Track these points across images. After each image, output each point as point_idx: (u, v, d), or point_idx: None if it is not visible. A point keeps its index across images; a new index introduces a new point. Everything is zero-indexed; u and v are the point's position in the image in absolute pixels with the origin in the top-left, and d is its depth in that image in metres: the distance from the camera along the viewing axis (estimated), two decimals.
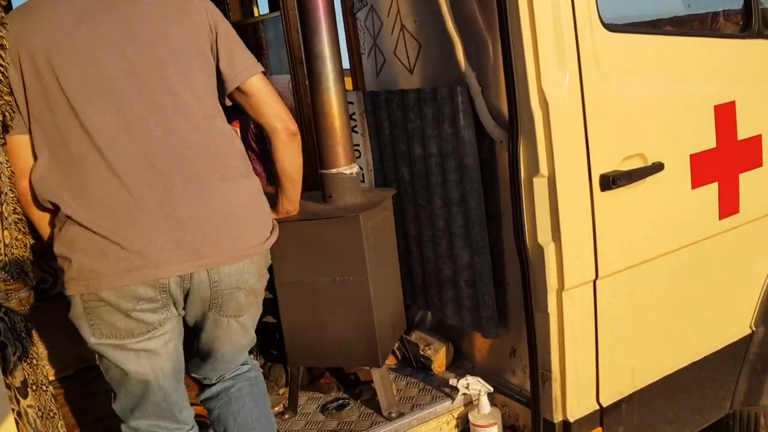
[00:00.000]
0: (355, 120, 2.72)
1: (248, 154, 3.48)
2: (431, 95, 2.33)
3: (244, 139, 3.50)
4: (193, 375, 1.98)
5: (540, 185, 2.05)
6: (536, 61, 1.97)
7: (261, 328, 2.60)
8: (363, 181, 2.78)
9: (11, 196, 1.55)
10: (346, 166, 2.30)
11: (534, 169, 2.04)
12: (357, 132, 2.73)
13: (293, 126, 1.86)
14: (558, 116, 1.99)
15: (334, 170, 2.29)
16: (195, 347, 1.91)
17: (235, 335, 1.86)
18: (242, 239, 1.71)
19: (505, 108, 2.10)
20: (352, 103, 2.69)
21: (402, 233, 2.67)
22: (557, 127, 2.00)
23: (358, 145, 2.75)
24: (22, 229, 1.57)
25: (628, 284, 2.21)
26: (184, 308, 1.74)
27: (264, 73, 1.84)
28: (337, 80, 2.24)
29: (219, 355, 1.89)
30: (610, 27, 2.05)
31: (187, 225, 1.62)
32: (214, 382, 1.97)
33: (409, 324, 2.74)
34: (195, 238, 1.64)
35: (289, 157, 1.91)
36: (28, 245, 1.58)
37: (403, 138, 2.53)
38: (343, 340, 2.31)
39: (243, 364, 2.00)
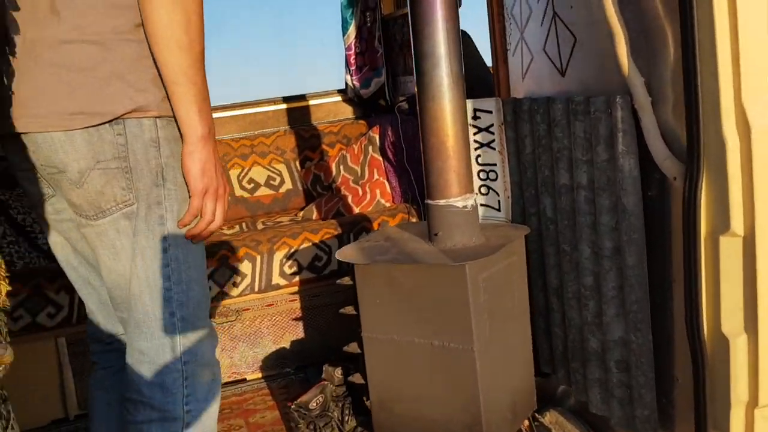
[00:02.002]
0: (492, 133, 2.16)
1: (384, 165, 3.06)
2: (583, 106, 1.72)
3: (382, 148, 3.08)
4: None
5: (730, 247, 1.37)
6: (735, 64, 1.30)
7: (349, 388, 2.17)
8: (499, 210, 2.22)
9: None
10: (460, 197, 1.77)
11: (722, 224, 1.36)
12: (494, 148, 2.17)
13: None
14: (765, 148, 1.30)
15: (441, 201, 1.77)
16: None
17: (99, 252, 1.37)
18: (59, 103, 1.26)
19: (683, 130, 1.44)
20: (490, 111, 2.14)
21: (541, 282, 2.07)
22: (762, 163, 1.31)
23: (494, 164, 2.19)
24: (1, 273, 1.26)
25: None
26: None
27: None
28: (454, 86, 1.71)
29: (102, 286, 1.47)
30: None
31: (18, 81, 1.27)
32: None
33: (546, 398, 2.13)
34: (17, 95, 1.27)
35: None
36: (3, 292, 1.26)
37: (546, 160, 1.93)
38: (440, 420, 1.79)
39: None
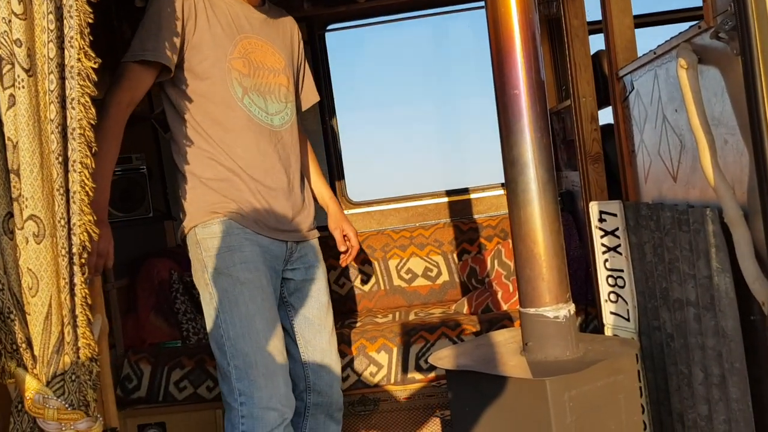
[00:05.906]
0: (618, 237, 2.05)
1: None
2: (686, 216, 1.57)
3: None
4: None
5: None
6: None
7: None
8: (628, 320, 2.06)
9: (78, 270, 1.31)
10: (551, 307, 1.69)
11: None
12: (620, 253, 2.05)
13: None
14: None
15: (531, 310, 1.71)
16: None
17: None
18: None
19: None
20: (615, 215, 2.04)
21: (665, 405, 1.86)
22: None
23: (621, 270, 2.06)
24: (89, 315, 1.30)
25: None
26: None
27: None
28: (543, 193, 1.68)
29: None
30: None
31: None
32: None
33: None
34: None
35: None
36: (94, 347, 1.38)
37: (662, 271, 1.78)
38: None
39: None
